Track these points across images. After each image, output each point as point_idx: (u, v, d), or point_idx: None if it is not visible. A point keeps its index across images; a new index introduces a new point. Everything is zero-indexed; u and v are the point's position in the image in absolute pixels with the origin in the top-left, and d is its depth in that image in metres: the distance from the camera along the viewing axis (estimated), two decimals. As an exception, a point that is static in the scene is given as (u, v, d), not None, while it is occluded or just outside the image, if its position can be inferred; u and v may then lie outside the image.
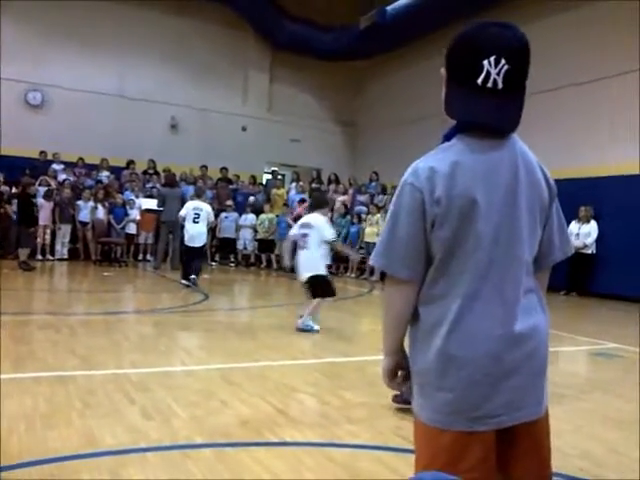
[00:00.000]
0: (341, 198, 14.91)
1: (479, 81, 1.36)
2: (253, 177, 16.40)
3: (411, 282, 1.43)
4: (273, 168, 17.62)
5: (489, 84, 1.36)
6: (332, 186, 15.60)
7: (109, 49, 15.95)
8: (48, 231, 12.71)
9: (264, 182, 17.17)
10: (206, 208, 9.43)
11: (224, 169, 16.11)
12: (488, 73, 1.36)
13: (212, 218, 9.80)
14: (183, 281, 9.42)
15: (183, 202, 12.40)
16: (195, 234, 9.25)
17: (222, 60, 17.45)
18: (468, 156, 1.40)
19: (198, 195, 9.98)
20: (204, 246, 9.65)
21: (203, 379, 4.25)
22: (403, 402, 3.73)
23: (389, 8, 14.95)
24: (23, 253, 10.72)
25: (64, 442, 2.86)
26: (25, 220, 11.11)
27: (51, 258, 12.76)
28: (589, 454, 3.14)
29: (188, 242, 9.32)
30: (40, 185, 12.84)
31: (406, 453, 2.97)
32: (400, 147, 16.21)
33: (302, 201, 14.00)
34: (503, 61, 1.35)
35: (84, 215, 13.20)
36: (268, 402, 3.72)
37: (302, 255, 6.26)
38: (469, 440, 1.40)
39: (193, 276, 9.32)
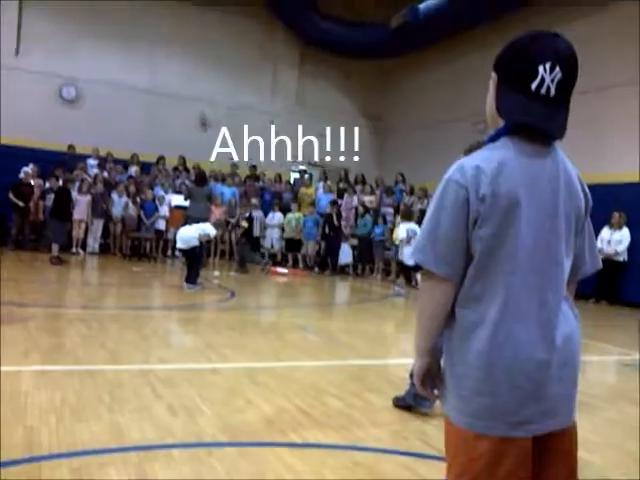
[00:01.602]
0: (367, 198, 14.90)
1: (533, 86, 1.40)
2: (279, 176, 16.43)
3: (450, 280, 1.42)
4: (301, 167, 17.64)
5: (542, 90, 1.40)
6: (359, 186, 15.59)
7: (140, 44, 16.14)
8: (83, 225, 12.94)
9: (292, 181, 17.21)
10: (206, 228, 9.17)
11: (253, 167, 16.20)
12: (542, 79, 1.39)
13: (209, 233, 9.21)
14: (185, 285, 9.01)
15: (210, 199, 12.55)
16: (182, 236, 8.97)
17: (252, 56, 17.49)
18: (513, 159, 1.42)
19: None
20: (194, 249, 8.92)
21: (229, 377, 4.28)
22: (405, 406, 3.72)
23: (421, 7, 14.85)
24: (54, 248, 10.92)
25: (92, 435, 2.92)
26: (59, 215, 11.30)
27: (82, 252, 12.99)
28: (614, 464, 3.10)
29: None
30: (76, 180, 13.10)
31: (431, 459, 2.95)
32: (427, 149, 16.11)
33: (334, 202, 14.07)
34: (557, 69, 1.39)
35: (117, 210, 13.41)
36: (293, 403, 3.73)
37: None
38: (507, 446, 1.38)
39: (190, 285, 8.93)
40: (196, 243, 8.84)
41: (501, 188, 1.38)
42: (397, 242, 11.61)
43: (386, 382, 4.47)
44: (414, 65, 17.64)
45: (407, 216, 10.54)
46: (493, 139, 1.47)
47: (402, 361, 5.10)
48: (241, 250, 12.83)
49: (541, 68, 1.38)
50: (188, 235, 8.86)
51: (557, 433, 1.45)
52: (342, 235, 13.89)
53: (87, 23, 15.60)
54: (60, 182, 12.44)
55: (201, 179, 12.55)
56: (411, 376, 3.69)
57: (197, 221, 10.16)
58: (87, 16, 15.56)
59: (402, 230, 10.11)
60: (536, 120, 1.40)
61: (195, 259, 9.02)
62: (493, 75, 1.50)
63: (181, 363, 4.63)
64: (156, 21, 16.16)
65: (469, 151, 3.51)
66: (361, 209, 14.29)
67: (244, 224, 12.90)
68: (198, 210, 11.72)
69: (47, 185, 13.14)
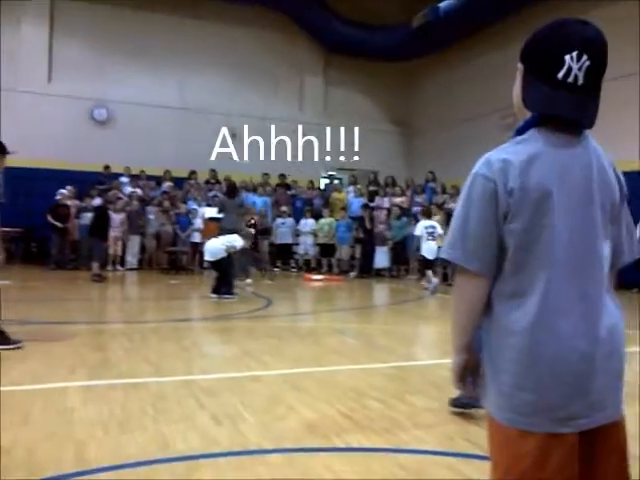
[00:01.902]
0: (398, 200, 14.83)
1: (560, 75, 1.36)
2: (311, 182, 16.53)
3: (483, 275, 1.40)
4: (330, 172, 17.70)
5: (570, 79, 1.36)
6: (389, 189, 15.53)
7: (168, 62, 16.49)
8: (119, 243, 13.22)
9: (322, 186, 17.27)
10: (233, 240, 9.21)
11: (282, 175, 16.32)
12: (570, 68, 1.35)
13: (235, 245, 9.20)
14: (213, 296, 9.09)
15: (242, 210, 12.63)
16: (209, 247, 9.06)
17: (277, 66, 17.74)
18: (542, 150, 1.39)
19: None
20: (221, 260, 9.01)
21: (270, 384, 4.30)
22: (462, 406, 3.65)
23: (442, 5, 14.77)
24: (95, 265, 11.16)
25: (139, 447, 2.96)
26: (99, 233, 11.57)
27: (121, 269, 13.25)
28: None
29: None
30: (111, 198, 13.41)
31: (476, 459, 2.91)
32: (457, 147, 15.98)
33: (365, 206, 14.07)
34: (585, 57, 1.35)
35: (153, 228, 13.66)
36: (335, 407, 3.73)
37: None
38: (553, 443, 1.34)
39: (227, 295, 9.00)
40: (223, 255, 8.89)
41: (530, 180, 1.35)
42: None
43: (427, 383, 4.43)
44: (437, 64, 17.55)
45: (426, 213, 11.11)
46: (520, 132, 1.44)
47: (443, 361, 5.04)
48: (240, 258, 12.73)
49: (567, 57, 1.34)
50: (215, 247, 8.95)
51: (605, 427, 1.41)
52: (377, 239, 13.86)
53: (114, 45, 16.00)
54: (95, 201, 12.73)
55: (232, 190, 12.63)
56: None
57: (230, 232, 10.29)
58: (114, 38, 15.96)
59: (419, 226, 10.57)
60: (563, 109, 1.37)
61: (225, 270, 9.07)
62: (520, 66, 1.47)
63: (222, 372, 4.67)
64: (182, 38, 16.49)
65: None
66: (396, 210, 14.21)
67: (251, 230, 12.85)
68: (231, 221, 11.82)
69: (82, 204, 13.48)
